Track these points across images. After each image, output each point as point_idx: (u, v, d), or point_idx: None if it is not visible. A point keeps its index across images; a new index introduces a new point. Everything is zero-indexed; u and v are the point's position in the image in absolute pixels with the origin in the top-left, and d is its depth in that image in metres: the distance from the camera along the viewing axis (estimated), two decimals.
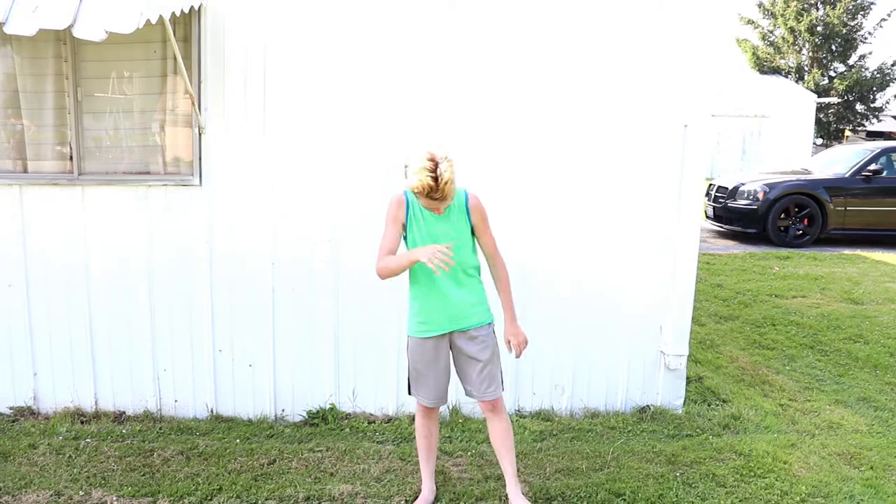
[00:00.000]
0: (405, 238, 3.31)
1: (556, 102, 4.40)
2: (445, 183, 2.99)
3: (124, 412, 4.58)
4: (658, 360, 4.71)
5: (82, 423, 4.44)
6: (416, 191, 3.05)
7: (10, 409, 4.54)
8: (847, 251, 11.03)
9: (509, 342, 3.42)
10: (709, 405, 4.87)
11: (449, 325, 3.31)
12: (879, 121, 34.50)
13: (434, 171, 2.97)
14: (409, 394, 3.51)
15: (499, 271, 3.42)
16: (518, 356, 3.45)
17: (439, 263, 2.99)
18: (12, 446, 4.08)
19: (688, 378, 4.97)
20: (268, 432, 4.38)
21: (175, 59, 3.94)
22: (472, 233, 3.33)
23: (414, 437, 4.25)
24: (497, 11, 4.31)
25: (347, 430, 4.41)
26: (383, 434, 4.36)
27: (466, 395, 3.48)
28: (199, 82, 4.25)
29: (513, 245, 4.40)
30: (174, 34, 3.84)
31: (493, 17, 4.31)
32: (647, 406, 4.72)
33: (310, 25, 4.26)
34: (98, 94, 4.35)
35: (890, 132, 33.07)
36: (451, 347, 3.38)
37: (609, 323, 4.64)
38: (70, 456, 3.98)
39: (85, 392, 4.56)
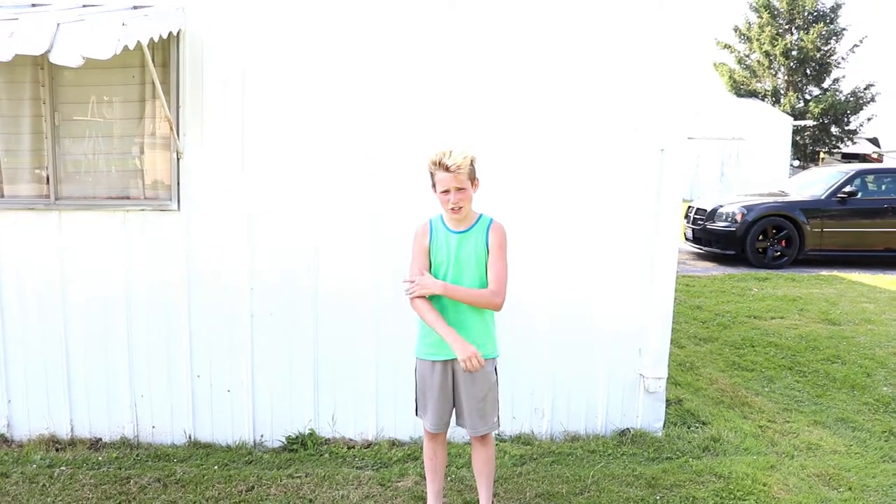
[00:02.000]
0: (430, 261, 3.31)
1: (534, 131, 4.44)
2: (460, 161, 3.08)
3: (101, 439, 4.51)
4: (637, 382, 4.72)
5: (57, 450, 4.37)
6: (432, 162, 3.14)
7: None
8: (824, 272, 11.15)
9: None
10: (689, 427, 4.88)
11: (452, 352, 3.22)
12: (854, 143, 35.06)
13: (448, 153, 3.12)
14: (417, 415, 3.50)
15: (484, 289, 3.22)
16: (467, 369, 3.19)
17: (473, 367, 3.11)
18: None
19: (667, 400, 4.98)
20: (246, 458, 4.34)
21: (153, 84, 3.94)
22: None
23: (394, 463, 4.25)
24: (472, 48, 4.36)
25: (327, 455, 4.38)
26: (363, 459, 4.33)
27: (457, 424, 3.44)
28: (178, 107, 4.25)
29: None
30: (152, 59, 3.85)
31: (470, 54, 4.36)
32: (627, 429, 4.73)
33: (288, 50, 4.28)
34: (76, 118, 4.34)
35: (865, 154, 33.61)
36: (452, 375, 3.33)
37: (588, 346, 4.65)
38: (44, 485, 3.92)
39: (60, 419, 4.50)
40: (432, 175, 3.17)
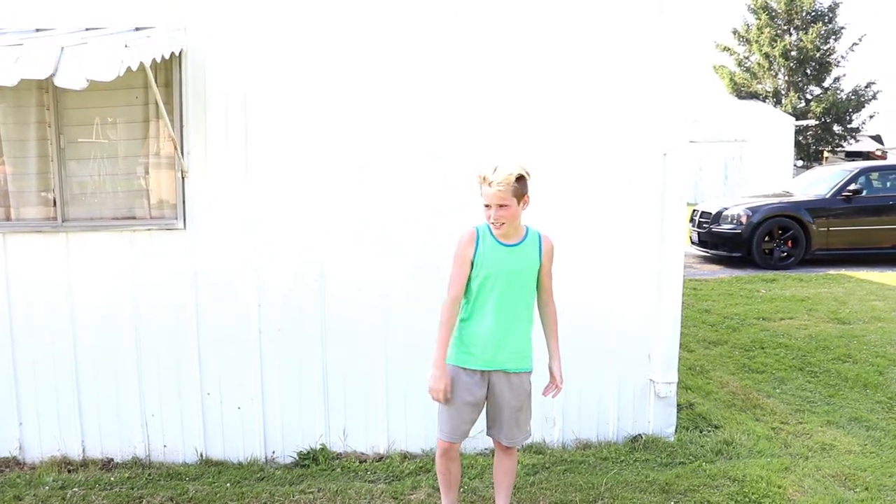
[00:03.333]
0: (471, 272, 3.26)
1: (538, 137, 4.45)
2: (502, 178, 3.08)
3: (112, 459, 4.51)
4: (648, 388, 4.71)
5: (69, 471, 4.38)
6: (478, 175, 3.16)
7: None
8: (832, 271, 11.10)
9: (554, 380, 3.44)
10: (701, 431, 4.86)
11: (495, 363, 3.28)
12: (857, 141, 35.03)
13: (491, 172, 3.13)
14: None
15: (550, 314, 3.44)
16: (548, 395, 3.50)
17: (436, 398, 3.27)
18: None
19: (679, 405, 4.97)
20: (258, 475, 4.33)
21: (157, 104, 3.96)
22: (538, 273, 3.33)
23: (406, 476, 4.24)
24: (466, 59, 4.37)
25: (339, 470, 4.37)
26: (375, 473, 4.32)
27: (487, 434, 3.46)
28: (181, 126, 4.27)
29: None
30: (155, 80, 3.87)
31: (463, 64, 4.38)
32: (639, 435, 4.71)
33: (291, 65, 4.30)
34: (81, 140, 4.36)
35: (868, 152, 33.56)
36: (488, 386, 3.33)
37: (597, 353, 4.64)
38: None
39: (72, 440, 4.50)
40: (480, 188, 3.18)
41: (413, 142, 4.40)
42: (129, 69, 3.33)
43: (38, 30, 4.07)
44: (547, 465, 4.38)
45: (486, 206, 3.15)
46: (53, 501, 3.97)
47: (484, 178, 3.11)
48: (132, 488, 4.14)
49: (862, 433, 4.87)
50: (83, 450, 4.51)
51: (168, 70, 4.24)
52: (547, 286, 3.37)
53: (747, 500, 3.89)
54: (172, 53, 4.04)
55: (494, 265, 3.21)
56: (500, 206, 3.11)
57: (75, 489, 4.12)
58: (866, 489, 4.02)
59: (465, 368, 3.29)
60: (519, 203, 3.15)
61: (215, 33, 4.25)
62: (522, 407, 3.36)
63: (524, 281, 3.26)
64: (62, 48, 3.19)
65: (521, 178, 3.12)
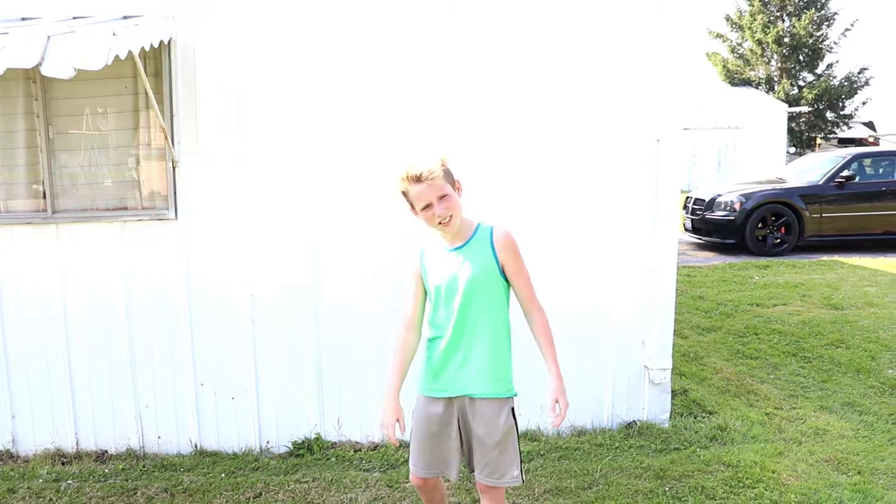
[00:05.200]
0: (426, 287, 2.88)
1: (532, 128, 4.43)
2: (433, 166, 2.65)
3: (106, 451, 4.50)
4: (642, 374, 4.71)
5: (63, 464, 4.37)
6: (400, 179, 2.70)
7: None
8: (825, 257, 11.14)
9: (556, 403, 2.78)
10: (695, 417, 4.87)
11: (455, 387, 2.79)
12: (850, 127, 35.08)
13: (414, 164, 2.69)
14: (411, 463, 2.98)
15: (534, 321, 2.87)
16: (555, 425, 2.77)
17: (383, 433, 2.81)
18: None
19: (673, 391, 4.97)
20: (253, 465, 4.33)
21: (147, 93, 3.93)
22: (504, 276, 2.79)
23: (401, 464, 4.23)
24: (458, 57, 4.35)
25: (333, 459, 4.37)
26: (370, 462, 4.32)
27: (468, 470, 2.91)
28: (172, 115, 4.24)
29: None
30: (144, 69, 3.84)
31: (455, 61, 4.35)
32: (634, 421, 4.72)
33: (282, 52, 4.27)
34: (71, 131, 4.33)
35: (861, 138, 33.59)
36: (459, 416, 2.84)
37: (591, 340, 4.64)
38: (51, 499, 3.91)
39: (65, 432, 4.49)
40: (406, 195, 2.71)
41: (409, 129, 4.36)
42: (117, 58, 3.30)
43: (23, 18, 4.03)
44: (542, 453, 4.38)
45: (426, 206, 2.67)
46: (48, 494, 3.96)
47: (409, 177, 2.65)
48: (126, 480, 4.14)
49: (855, 418, 4.88)
50: (77, 442, 4.50)
51: (157, 59, 4.20)
52: (523, 291, 2.82)
53: (741, 485, 3.90)
54: (161, 42, 4.00)
55: (440, 275, 2.78)
56: (441, 197, 2.65)
57: (69, 481, 4.11)
58: (859, 473, 4.04)
59: (427, 397, 2.86)
60: (455, 189, 2.73)
61: (204, 21, 4.21)
62: (499, 444, 2.76)
63: (482, 287, 2.74)
64: (48, 37, 3.16)
65: (444, 162, 2.72)
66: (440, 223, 2.69)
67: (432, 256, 2.82)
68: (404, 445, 3.13)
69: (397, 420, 2.80)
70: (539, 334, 2.87)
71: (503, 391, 2.81)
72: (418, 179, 2.64)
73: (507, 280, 2.80)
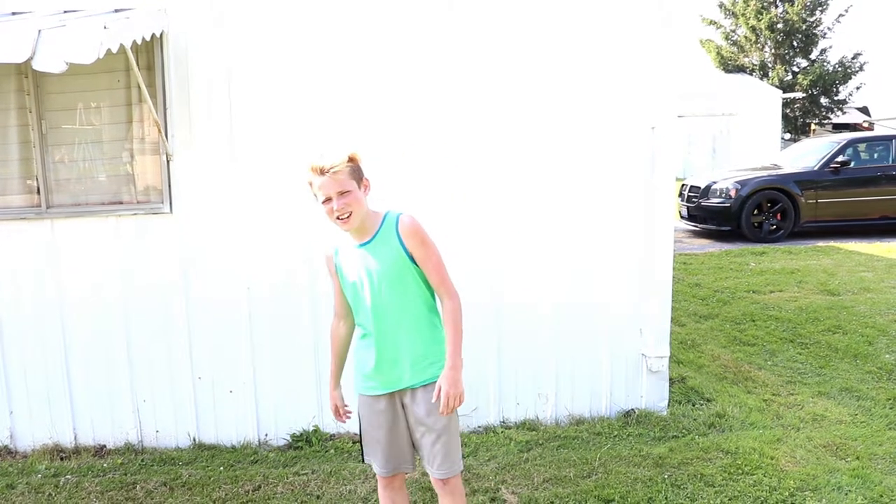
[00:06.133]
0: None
1: (527, 117, 4.42)
2: (336, 161, 2.64)
3: (105, 446, 4.50)
4: (640, 362, 4.72)
5: (62, 459, 4.36)
6: (307, 171, 2.68)
7: None
8: (821, 243, 11.14)
9: (439, 389, 2.67)
10: (693, 405, 4.88)
11: (393, 381, 2.78)
12: (844, 113, 35.03)
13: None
14: (363, 461, 3.01)
15: (444, 307, 2.78)
16: (443, 412, 2.68)
17: (338, 420, 3.02)
18: None
19: (671, 379, 4.98)
20: (252, 458, 4.33)
21: (139, 87, 3.90)
22: (416, 263, 2.75)
23: None
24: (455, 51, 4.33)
25: (332, 451, 4.37)
26: None
27: (422, 464, 2.94)
28: (165, 109, 4.22)
29: (487, 255, 4.41)
30: (137, 63, 3.81)
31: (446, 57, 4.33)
32: (632, 410, 4.73)
33: (274, 45, 4.25)
34: (64, 125, 4.30)
35: (855, 124, 33.59)
36: (404, 410, 2.83)
37: (589, 329, 4.64)
38: (50, 494, 3.91)
39: (64, 427, 4.48)
40: (311, 186, 2.69)
41: (405, 123, 4.35)
42: (108, 51, 3.27)
43: (14, 13, 4.00)
44: (540, 442, 4.39)
45: (326, 200, 2.65)
46: (46, 489, 3.95)
47: (315, 169, 2.63)
48: (125, 474, 4.14)
49: (852, 403, 4.90)
50: (75, 437, 4.50)
51: (150, 52, 4.17)
52: (433, 277, 2.75)
53: (740, 472, 3.91)
54: (154, 35, 3.98)
55: (352, 271, 2.77)
56: (341, 193, 2.62)
57: (68, 476, 4.11)
58: (857, 458, 4.05)
59: (366, 395, 2.86)
60: (360, 187, 2.69)
61: (196, 14, 4.18)
62: (445, 430, 2.78)
63: (395, 280, 2.71)
64: (39, 31, 3.13)
65: (353, 159, 2.68)
66: (338, 218, 2.67)
67: (345, 255, 2.81)
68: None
69: (336, 406, 3.00)
70: (445, 321, 2.78)
71: (440, 373, 2.74)
72: (321, 172, 2.63)
73: (419, 269, 2.76)
